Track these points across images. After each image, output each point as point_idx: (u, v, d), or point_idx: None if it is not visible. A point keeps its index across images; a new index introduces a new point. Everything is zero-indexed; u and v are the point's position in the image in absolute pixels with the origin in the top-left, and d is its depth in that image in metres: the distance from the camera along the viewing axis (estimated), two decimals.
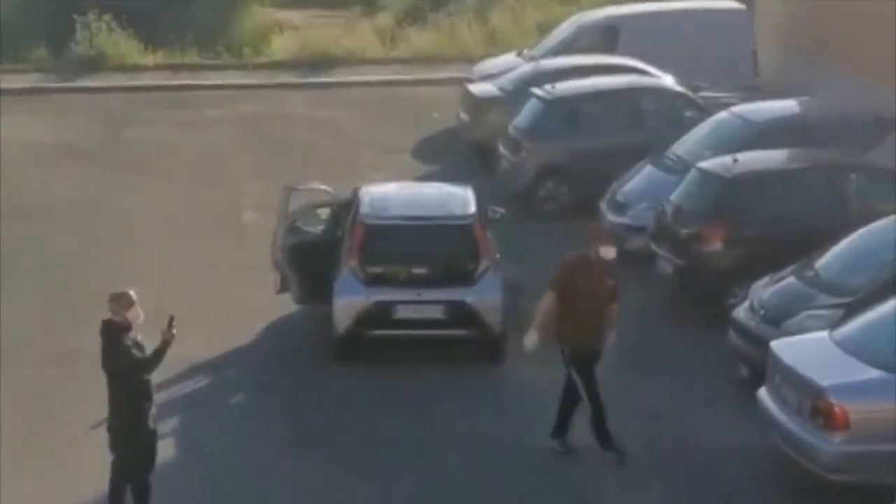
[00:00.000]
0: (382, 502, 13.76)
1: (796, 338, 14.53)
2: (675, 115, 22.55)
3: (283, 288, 17.75)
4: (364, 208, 17.02)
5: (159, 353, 12.45)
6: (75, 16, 32.58)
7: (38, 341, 17.31)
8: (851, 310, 14.74)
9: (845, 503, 13.13)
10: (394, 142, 26.38)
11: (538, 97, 23.02)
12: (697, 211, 18.19)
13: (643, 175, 20.58)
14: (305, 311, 17.91)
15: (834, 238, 16.33)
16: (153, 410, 12.60)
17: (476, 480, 14.06)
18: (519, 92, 24.16)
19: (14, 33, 33.09)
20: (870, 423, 12.91)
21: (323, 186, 18.39)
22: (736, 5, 28.65)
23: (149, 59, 33.10)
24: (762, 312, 15.86)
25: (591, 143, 22.05)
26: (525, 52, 28.25)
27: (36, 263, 20.08)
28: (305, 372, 16.67)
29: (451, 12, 35.11)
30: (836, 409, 12.89)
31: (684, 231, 18.13)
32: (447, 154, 25.52)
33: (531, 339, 14.18)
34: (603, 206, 20.40)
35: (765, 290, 16.21)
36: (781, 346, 14.07)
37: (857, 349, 13.55)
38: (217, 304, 18.49)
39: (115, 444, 12.56)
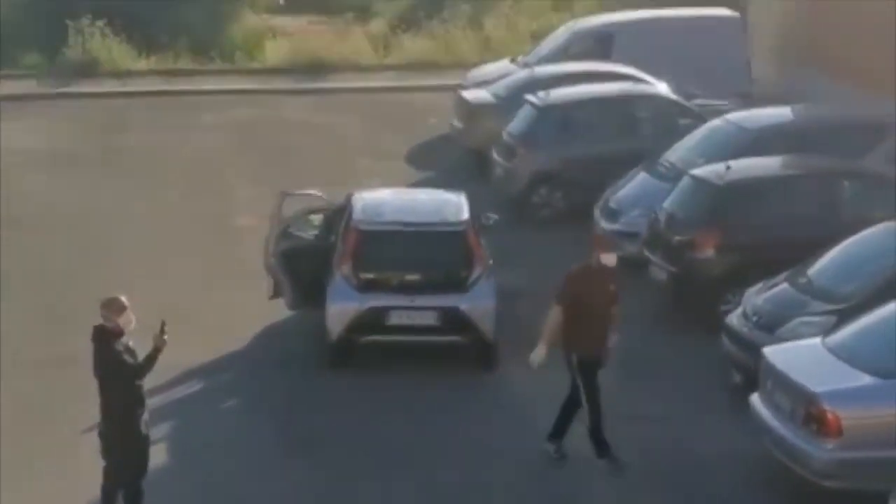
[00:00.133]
0: None
1: (789, 344, 14.54)
2: (668, 122, 22.58)
3: (277, 293, 17.75)
4: (357, 214, 17.02)
5: (151, 359, 12.42)
6: (68, 21, 32.57)
7: (31, 346, 17.27)
8: (844, 316, 14.75)
9: None
10: (388, 148, 26.40)
11: (532, 104, 23.04)
12: (690, 218, 18.20)
13: (637, 182, 20.60)
14: (298, 317, 17.90)
15: (827, 245, 16.34)
16: (145, 416, 12.57)
17: (470, 487, 14.04)
18: (513, 99, 24.18)
19: (7, 39, 33.08)
20: (863, 429, 12.91)
21: (317, 192, 18.39)
22: (729, 13, 28.68)
23: (142, 65, 33.12)
24: (755, 319, 15.87)
25: (585, 150, 22.07)
26: (519, 58, 28.29)
27: (29, 269, 20.04)
28: (298, 377, 16.66)
29: (446, 19, 35.15)
30: (829, 416, 12.89)
31: (677, 238, 18.14)
32: (441, 160, 25.54)
33: (539, 354, 14.14)
34: (596, 212, 20.42)
35: (758, 296, 16.23)
36: (774, 353, 14.07)
37: (849, 356, 13.56)
38: (210, 310, 18.48)
39: (107, 450, 12.52)
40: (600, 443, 14.20)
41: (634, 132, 22.59)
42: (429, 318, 16.45)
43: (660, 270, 18.19)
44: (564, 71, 25.28)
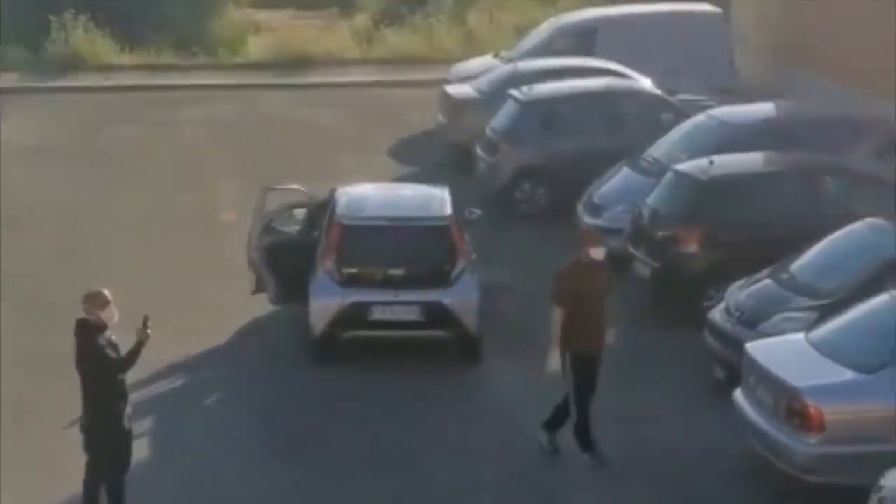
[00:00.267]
0: None
1: (772, 339, 14.55)
2: (651, 117, 22.56)
3: (259, 288, 17.72)
4: (340, 209, 16.99)
5: (134, 354, 12.39)
6: (51, 16, 32.48)
7: (12, 343, 17.19)
8: (827, 312, 14.77)
9: None
10: (371, 143, 26.37)
11: (515, 99, 23.03)
12: (673, 213, 18.20)
13: (620, 177, 20.60)
14: (281, 312, 17.87)
15: (810, 241, 16.36)
16: (128, 411, 12.53)
17: (454, 484, 14.03)
18: (496, 94, 24.18)
19: None
20: (845, 424, 12.93)
21: (299, 187, 18.36)
22: (712, 9, 28.72)
23: (125, 60, 33.06)
24: (738, 314, 15.89)
25: (568, 146, 22.07)
26: (502, 53, 28.29)
27: (10, 264, 19.96)
28: (281, 373, 16.63)
29: (429, 14, 35.12)
30: (812, 411, 12.92)
31: (660, 233, 18.14)
32: (425, 155, 25.52)
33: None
34: (580, 208, 20.41)
35: (741, 292, 16.24)
36: (757, 348, 14.09)
37: (832, 351, 13.58)
38: (193, 305, 18.45)
39: (90, 445, 12.49)
40: (584, 439, 14.20)
41: (617, 128, 22.56)
42: (412, 313, 16.44)
43: (643, 266, 18.19)
44: (548, 66, 25.27)
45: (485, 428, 15.16)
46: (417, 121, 27.41)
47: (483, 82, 25.64)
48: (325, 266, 16.63)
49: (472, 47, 32.31)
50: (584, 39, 27.63)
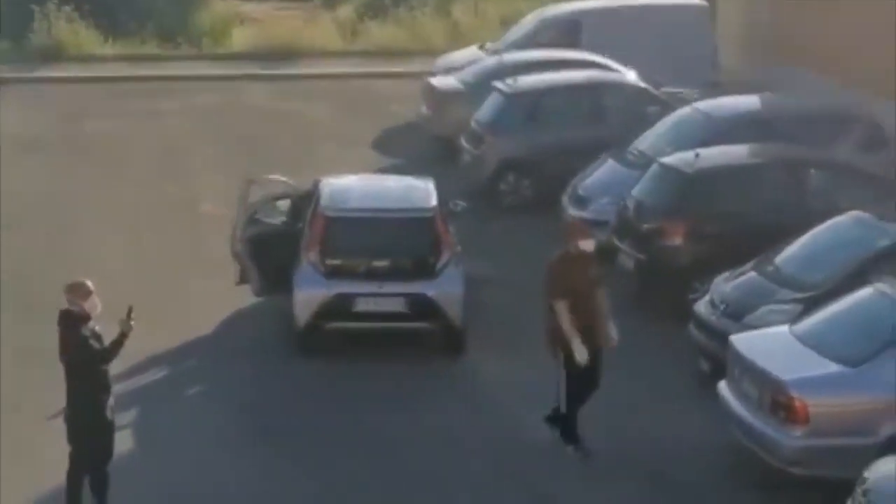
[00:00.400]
0: (341, 496, 13.68)
1: (756, 332, 14.55)
2: (637, 110, 22.54)
3: (243, 280, 17.67)
4: (324, 200, 16.94)
5: (117, 344, 12.35)
6: (34, 6, 32.34)
7: None
8: (812, 304, 14.77)
9: (805, 497, 13.16)
10: (355, 134, 26.31)
11: (500, 91, 22.99)
12: (659, 206, 18.19)
13: (605, 170, 20.58)
14: (265, 303, 17.83)
15: (795, 233, 16.36)
16: (111, 402, 12.50)
17: (438, 475, 14.01)
18: (481, 86, 24.13)
19: None
20: (830, 417, 12.94)
21: (283, 178, 18.31)
22: (697, 2, 28.70)
23: (108, 50, 32.92)
24: (723, 307, 15.88)
25: (553, 138, 22.04)
26: (487, 45, 28.24)
27: None
28: (265, 364, 16.59)
29: (414, 6, 35.05)
30: (797, 403, 12.92)
31: (646, 226, 18.13)
32: (409, 147, 25.47)
33: (581, 350, 13.93)
34: (564, 200, 20.38)
35: (726, 284, 16.24)
36: (741, 341, 14.09)
37: (817, 343, 13.58)
38: (176, 296, 18.39)
39: (73, 436, 12.46)
40: (570, 433, 14.17)
41: (602, 120, 22.56)
42: (397, 305, 16.40)
43: (628, 258, 18.18)
44: (533, 58, 25.24)
45: (469, 419, 15.14)
46: (401, 113, 27.35)
47: (468, 74, 25.60)
48: (309, 257, 16.59)
49: (457, 39, 32.23)
50: (569, 32, 27.59)
